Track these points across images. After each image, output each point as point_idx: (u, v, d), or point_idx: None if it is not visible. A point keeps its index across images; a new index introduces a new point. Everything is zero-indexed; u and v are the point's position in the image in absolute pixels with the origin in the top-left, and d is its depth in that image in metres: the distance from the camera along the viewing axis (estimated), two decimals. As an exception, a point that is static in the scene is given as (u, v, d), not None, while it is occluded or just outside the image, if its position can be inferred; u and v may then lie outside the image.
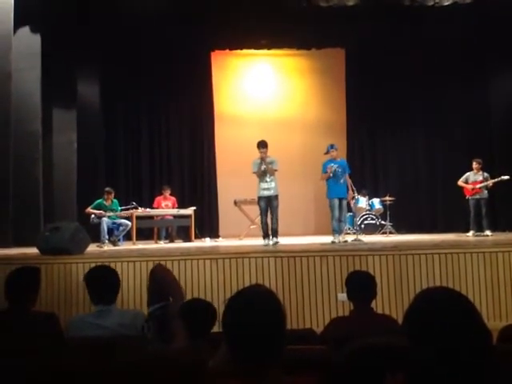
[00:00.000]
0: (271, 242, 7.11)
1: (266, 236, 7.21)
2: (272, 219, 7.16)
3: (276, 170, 7.13)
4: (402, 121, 11.07)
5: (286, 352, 1.47)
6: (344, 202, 7.43)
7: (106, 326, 2.80)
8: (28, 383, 2.01)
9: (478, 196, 8.50)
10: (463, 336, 1.25)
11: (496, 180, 8.45)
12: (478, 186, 8.47)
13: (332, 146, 7.60)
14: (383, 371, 0.88)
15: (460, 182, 8.70)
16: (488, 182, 8.45)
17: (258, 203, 7.25)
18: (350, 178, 7.67)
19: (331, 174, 7.30)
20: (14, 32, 7.83)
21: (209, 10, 9.00)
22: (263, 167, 7.03)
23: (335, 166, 7.37)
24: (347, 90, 11.32)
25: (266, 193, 7.10)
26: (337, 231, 7.29)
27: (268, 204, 7.13)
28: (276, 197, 7.13)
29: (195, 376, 1.76)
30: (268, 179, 7.06)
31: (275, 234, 7.17)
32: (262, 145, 7.06)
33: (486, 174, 8.53)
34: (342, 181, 7.37)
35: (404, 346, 0.94)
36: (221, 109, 11.42)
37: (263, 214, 7.19)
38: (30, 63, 8.26)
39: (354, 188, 7.72)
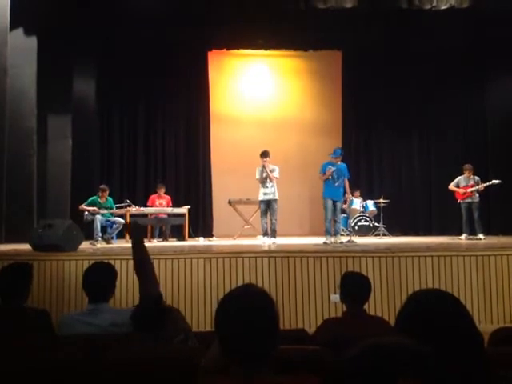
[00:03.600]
0: (270, 241, 7.75)
1: (265, 234, 7.95)
2: (271, 220, 7.92)
3: (276, 178, 7.90)
4: (397, 123, 11.10)
5: (278, 352, 1.47)
6: (338, 204, 7.64)
7: (98, 324, 2.78)
8: (19, 380, 2.00)
9: (469, 200, 8.55)
10: (454, 338, 1.25)
11: (487, 184, 8.52)
12: (470, 189, 8.53)
13: (341, 152, 7.82)
14: (396, 375, 0.87)
15: (451, 186, 8.76)
16: (479, 186, 8.51)
17: (260, 206, 8.09)
18: (349, 181, 7.93)
19: (330, 177, 7.49)
20: (11, 28, 7.78)
21: (207, 10, 8.99)
22: (265, 174, 7.81)
23: (333, 168, 7.49)
24: (343, 92, 11.34)
25: (266, 197, 7.88)
26: (329, 232, 7.50)
27: (268, 206, 7.89)
28: (275, 201, 7.91)
29: (187, 374, 1.76)
30: (269, 185, 7.86)
31: (274, 234, 7.89)
32: (265, 154, 7.85)
33: (476, 178, 8.61)
34: (337, 184, 7.55)
35: (418, 348, 0.93)
36: (217, 108, 11.42)
37: (263, 215, 7.96)
38: (26, 60, 8.23)
39: (348, 192, 8.05)
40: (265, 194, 7.86)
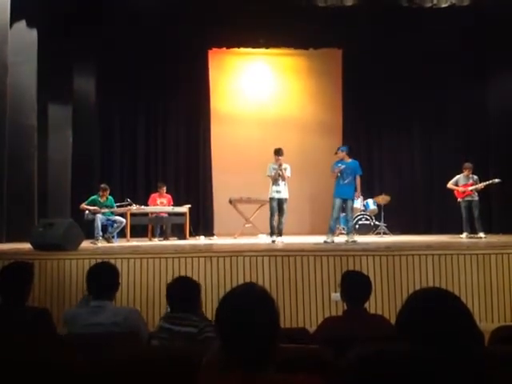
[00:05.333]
0: (278, 239, 7.64)
1: (272, 233, 7.78)
2: (280, 220, 7.80)
3: (289, 177, 7.74)
4: (398, 122, 11.10)
5: (278, 351, 1.47)
6: (349, 203, 7.55)
7: (100, 322, 2.80)
8: (19, 379, 2.00)
9: (469, 198, 8.56)
10: (455, 337, 1.25)
11: (488, 182, 8.53)
12: (470, 188, 8.53)
13: (339, 148, 7.84)
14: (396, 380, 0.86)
15: (450, 185, 8.76)
16: (480, 185, 8.51)
17: (270, 203, 7.83)
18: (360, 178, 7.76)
19: (338, 174, 7.45)
20: (11, 25, 7.78)
21: (207, 8, 8.99)
22: (279, 172, 7.62)
23: (342, 166, 7.47)
24: (344, 91, 11.33)
25: (277, 195, 7.71)
26: (332, 230, 7.53)
27: (279, 205, 7.73)
28: (286, 200, 7.77)
29: (188, 372, 1.76)
30: (281, 183, 7.70)
31: (280, 233, 7.79)
32: (280, 153, 7.68)
33: (475, 177, 8.62)
34: (346, 181, 7.47)
35: (419, 354, 0.92)
36: (217, 107, 11.42)
37: (273, 214, 7.76)
38: (26, 57, 8.22)
39: (358, 190, 7.78)
40: (276, 191, 7.68)
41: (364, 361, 0.90)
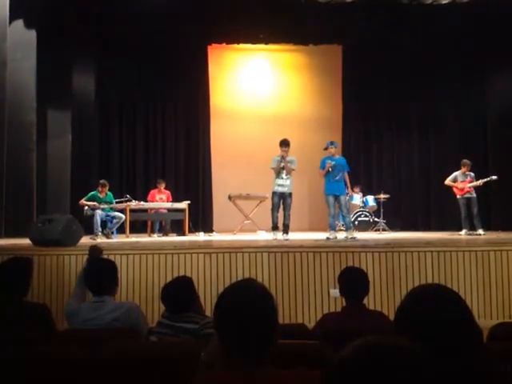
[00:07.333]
0: (282, 238, 7.28)
1: (274, 229, 7.42)
2: (284, 215, 7.38)
3: (294, 170, 7.33)
4: (397, 118, 11.10)
5: (277, 346, 1.47)
6: (342, 198, 7.48)
7: (101, 317, 2.81)
8: (18, 374, 2.01)
9: (468, 195, 8.59)
10: (454, 333, 1.26)
11: (486, 180, 8.57)
12: (470, 185, 8.55)
13: (332, 143, 7.70)
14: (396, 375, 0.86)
15: (448, 182, 8.77)
16: (479, 182, 8.54)
17: (272, 198, 7.43)
18: (349, 175, 7.83)
19: (330, 169, 7.36)
20: (10, 22, 7.76)
21: (206, 4, 8.96)
22: (282, 164, 7.24)
23: (333, 162, 7.41)
24: (344, 87, 11.32)
25: (280, 189, 7.29)
26: (333, 227, 7.46)
27: (282, 200, 7.33)
28: (290, 194, 7.34)
29: (187, 368, 1.76)
30: (284, 176, 7.27)
31: (286, 229, 7.37)
32: (285, 144, 7.27)
33: (472, 174, 8.65)
34: (337, 178, 7.43)
35: (416, 348, 0.92)
36: (217, 103, 11.40)
37: (275, 208, 7.36)
38: (25, 54, 8.21)
39: (349, 186, 7.96)
40: (279, 185, 7.25)
41: (361, 354, 0.89)
